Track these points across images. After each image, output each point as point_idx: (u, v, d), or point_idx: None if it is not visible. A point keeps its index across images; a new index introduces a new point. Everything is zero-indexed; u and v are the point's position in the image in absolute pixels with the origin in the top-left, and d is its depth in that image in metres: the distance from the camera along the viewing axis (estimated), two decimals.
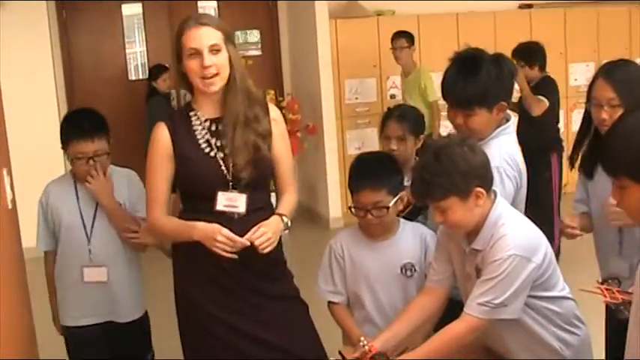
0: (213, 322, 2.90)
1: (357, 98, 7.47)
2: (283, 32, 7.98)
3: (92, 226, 3.39)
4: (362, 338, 2.67)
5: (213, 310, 2.90)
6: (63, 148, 3.37)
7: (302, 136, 7.43)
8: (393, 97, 7.46)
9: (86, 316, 3.43)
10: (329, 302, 3.12)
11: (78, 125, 3.36)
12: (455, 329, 2.51)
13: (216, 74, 2.78)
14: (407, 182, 3.26)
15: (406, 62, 7.01)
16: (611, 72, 2.84)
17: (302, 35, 7.61)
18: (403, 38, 6.96)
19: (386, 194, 2.91)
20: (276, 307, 2.96)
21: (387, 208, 2.92)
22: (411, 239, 3.00)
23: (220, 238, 2.71)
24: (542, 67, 5.92)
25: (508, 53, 7.09)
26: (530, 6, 8.14)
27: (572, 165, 3.14)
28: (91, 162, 3.31)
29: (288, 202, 2.99)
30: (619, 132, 2.37)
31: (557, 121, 6.12)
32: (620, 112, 2.72)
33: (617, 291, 2.45)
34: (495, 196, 2.57)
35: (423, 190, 2.52)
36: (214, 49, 2.78)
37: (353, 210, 3.01)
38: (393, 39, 7.02)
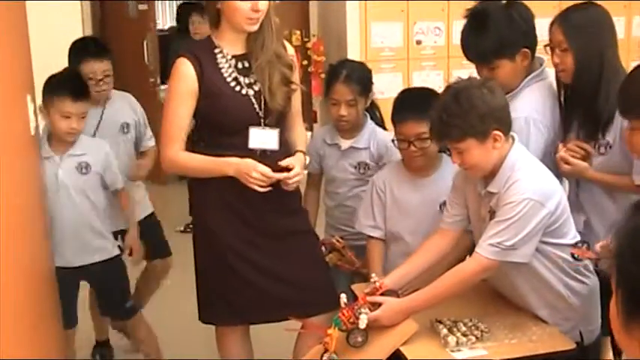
0: (233, 255, 2.97)
1: (382, 42, 7.39)
2: None
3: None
4: (373, 275, 2.71)
5: (231, 241, 2.96)
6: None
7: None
8: (419, 42, 7.39)
9: None
10: (368, 236, 3.16)
11: (86, 48, 3.61)
12: (465, 269, 2.54)
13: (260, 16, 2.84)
14: (355, 144, 3.37)
15: None
16: (564, 16, 2.87)
17: None
18: None
19: (428, 126, 2.91)
20: (292, 242, 3.03)
21: (430, 139, 2.92)
22: (452, 176, 2.96)
23: (255, 175, 2.77)
24: None
25: None
26: None
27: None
28: (101, 83, 3.54)
29: (302, 135, 3.09)
30: (636, 76, 2.43)
31: None
32: (569, 56, 2.80)
33: (587, 249, 2.51)
34: (514, 140, 2.58)
35: (441, 131, 2.54)
36: None
37: (396, 142, 3.03)
38: None
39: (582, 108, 2.83)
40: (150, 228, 3.93)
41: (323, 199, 3.58)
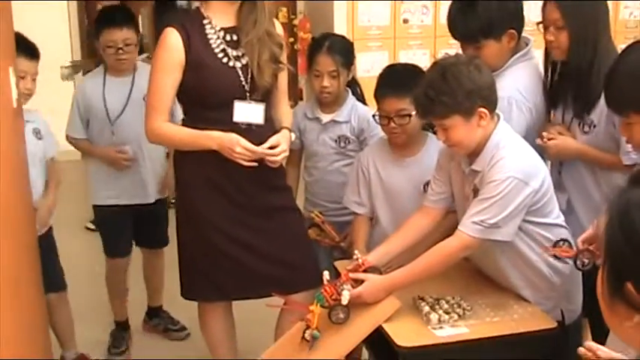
0: (216, 231, 2.96)
1: (369, 21, 7.36)
2: None
3: (120, 114, 3.63)
4: (356, 252, 2.71)
5: (214, 218, 2.96)
6: (96, 39, 3.67)
7: None
8: (405, 21, 7.37)
9: (110, 197, 3.72)
10: (353, 213, 3.16)
11: (108, 16, 3.64)
12: (447, 246, 2.54)
13: None
14: (336, 118, 3.38)
15: None
16: None
17: None
18: None
19: (410, 102, 2.86)
20: (276, 219, 3.02)
21: (410, 115, 2.91)
22: (437, 156, 2.92)
23: (239, 149, 2.75)
24: None
25: None
26: None
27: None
28: (120, 52, 3.55)
29: (288, 113, 3.08)
30: (623, 69, 2.40)
31: None
32: (564, 33, 2.78)
33: (569, 249, 2.53)
34: (499, 119, 2.58)
35: (427, 107, 2.52)
36: None
37: (377, 118, 3.02)
38: None
39: (574, 86, 2.84)
40: (158, 212, 3.91)
41: (302, 175, 3.58)
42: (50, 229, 3.49)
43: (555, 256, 2.58)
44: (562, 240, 2.59)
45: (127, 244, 3.91)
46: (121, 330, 4.00)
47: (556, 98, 2.94)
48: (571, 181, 2.92)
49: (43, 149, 3.40)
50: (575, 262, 2.49)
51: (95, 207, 3.84)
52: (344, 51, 3.37)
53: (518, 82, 2.86)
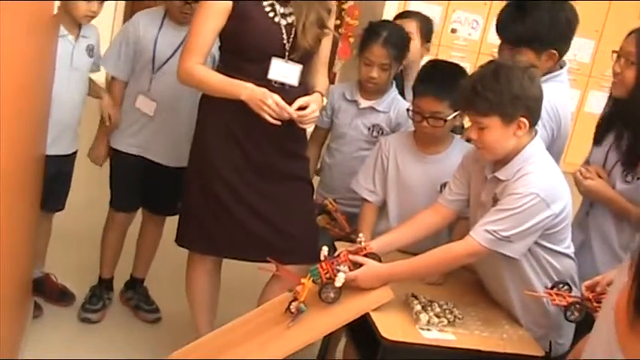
0: (221, 183, 2.92)
1: None
2: None
3: (164, 62, 3.36)
4: (360, 235, 2.67)
5: (225, 171, 2.91)
6: None
7: (354, 43, 7.29)
8: (454, 31, 7.32)
9: (131, 145, 3.48)
10: (363, 199, 3.09)
11: None
12: (454, 249, 2.50)
13: None
14: (376, 106, 3.29)
15: None
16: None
17: None
18: None
19: (447, 106, 2.84)
20: (286, 186, 2.97)
21: (445, 120, 2.86)
22: (459, 159, 2.86)
23: (270, 102, 2.71)
24: None
25: None
26: None
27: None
28: (187, 7, 3.29)
29: (324, 82, 3.03)
30: None
31: None
32: (632, 69, 2.67)
33: (567, 296, 2.47)
34: (536, 134, 2.53)
35: (470, 100, 2.46)
36: None
37: (410, 113, 2.96)
38: None
39: (633, 135, 2.72)
40: (176, 178, 3.43)
41: (323, 156, 3.50)
42: (75, 152, 3.43)
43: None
44: (562, 283, 2.54)
45: (133, 200, 3.63)
46: (103, 288, 3.72)
47: (601, 138, 2.86)
48: (595, 224, 2.84)
49: (90, 66, 3.34)
50: (565, 313, 2.45)
51: (113, 150, 3.54)
52: (400, 44, 3.26)
53: (545, 101, 2.79)
